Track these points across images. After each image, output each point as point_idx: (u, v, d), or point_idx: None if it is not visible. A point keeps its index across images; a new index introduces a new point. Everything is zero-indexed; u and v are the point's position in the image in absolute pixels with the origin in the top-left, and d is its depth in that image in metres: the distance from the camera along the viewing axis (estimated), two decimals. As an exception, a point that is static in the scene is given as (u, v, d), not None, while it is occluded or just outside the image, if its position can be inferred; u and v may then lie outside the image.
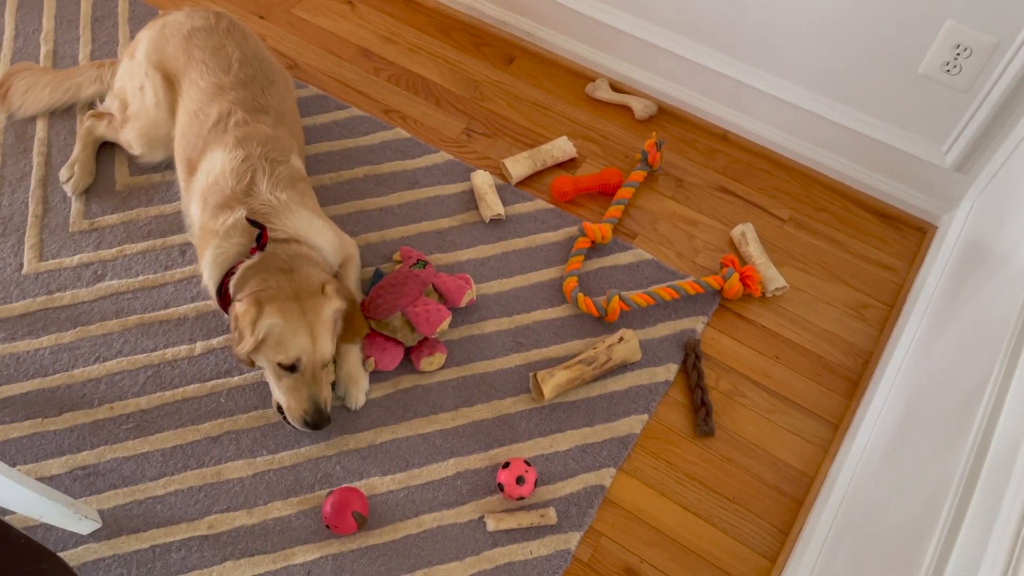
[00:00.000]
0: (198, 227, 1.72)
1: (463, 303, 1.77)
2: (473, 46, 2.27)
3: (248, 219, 1.62)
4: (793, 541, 1.58)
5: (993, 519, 0.85)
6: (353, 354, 1.69)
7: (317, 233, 1.71)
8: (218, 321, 1.80)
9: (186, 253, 1.89)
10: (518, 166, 2.00)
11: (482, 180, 1.98)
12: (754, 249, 1.91)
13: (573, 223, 1.95)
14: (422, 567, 1.54)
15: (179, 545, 1.55)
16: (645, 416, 1.71)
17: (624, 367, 1.76)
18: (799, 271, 1.93)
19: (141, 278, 1.85)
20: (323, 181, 2.00)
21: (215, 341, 1.77)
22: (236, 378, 1.73)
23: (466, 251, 1.91)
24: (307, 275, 1.60)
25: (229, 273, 1.63)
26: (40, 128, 2.07)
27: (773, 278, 1.87)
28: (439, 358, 1.73)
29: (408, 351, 1.74)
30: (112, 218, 1.93)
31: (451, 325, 1.79)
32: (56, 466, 1.62)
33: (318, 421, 1.56)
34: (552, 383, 1.67)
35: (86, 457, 1.63)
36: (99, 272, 1.86)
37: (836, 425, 1.73)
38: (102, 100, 2.05)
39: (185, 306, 1.82)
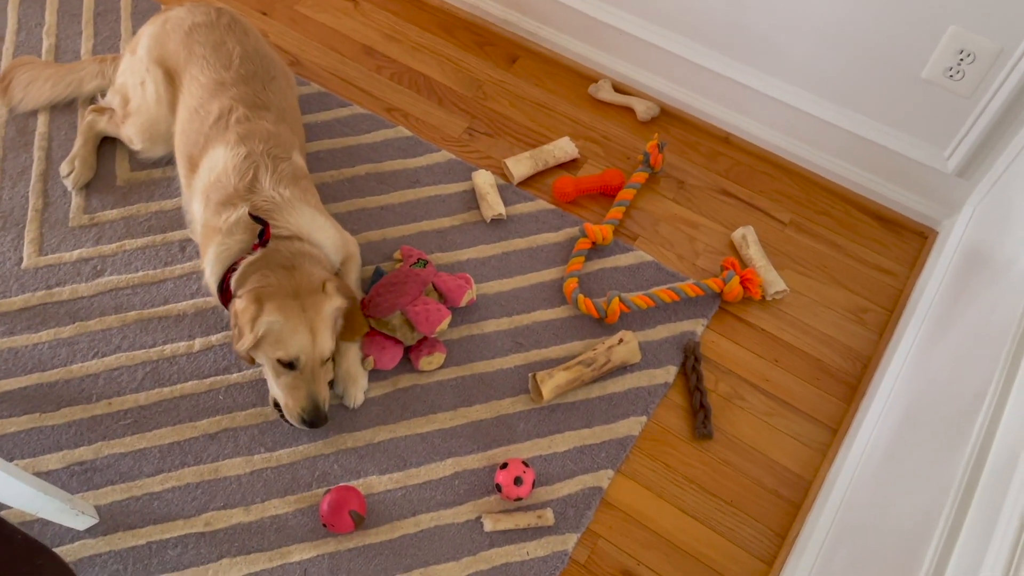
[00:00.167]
0: (201, 224, 1.71)
1: (463, 303, 1.76)
2: (476, 45, 2.27)
3: (251, 215, 1.62)
4: (790, 545, 1.58)
5: (992, 528, 0.84)
6: (352, 352, 1.69)
7: (319, 230, 1.71)
8: (217, 318, 1.80)
9: (186, 249, 1.89)
10: (520, 166, 2.00)
11: (483, 180, 1.97)
12: (755, 252, 1.91)
13: (574, 224, 1.95)
14: (419, 567, 1.54)
15: (175, 542, 1.55)
16: (644, 418, 1.71)
17: (623, 369, 1.75)
18: (799, 275, 1.93)
19: (141, 274, 1.85)
20: (324, 179, 2.00)
21: (214, 338, 1.77)
22: (235, 375, 1.73)
23: (467, 251, 1.91)
24: (308, 273, 1.59)
25: (231, 269, 1.63)
26: (41, 122, 2.06)
27: (773, 281, 1.87)
28: (438, 357, 1.73)
29: (407, 350, 1.74)
30: (112, 213, 1.93)
31: (451, 325, 1.79)
32: (53, 461, 1.62)
33: (316, 419, 1.55)
34: (551, 384, 1.67)
35: (83, 453, 1.63)
36: (99, 267, 1.85)
37: (835, 429, 1.73)
38: (103, 95, 2.05)
39: (184, 302, 1.81)
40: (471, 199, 1.99)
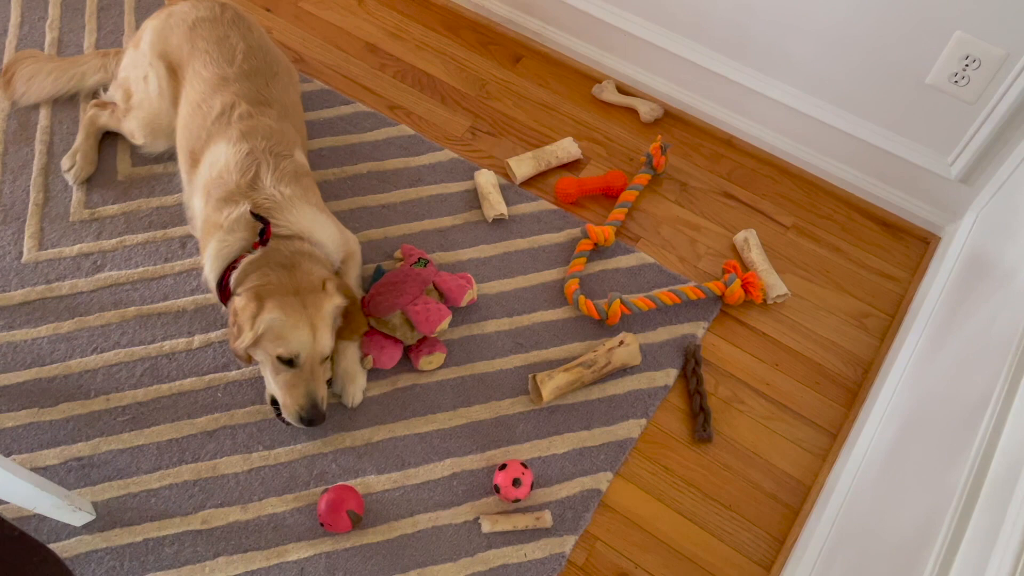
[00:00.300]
0: (201, 220, 1.71)
1: (463, 303, 1.76)
2: (480, 44, 2.26)
3: (252, 213, 1.61)
4: (789, 550, 1.58)
5: (994, 539, 0.84)
6: (351, 351, 1.69)
7: (320, 229, 1.70)
8: (217, 315, 1.79)
9: (186, 245, 1.88)
10: (522, 166, 1.99)
11: (486, 179, 1.97)
12: (756, 255, 1.90)
13: (576, 225, 1.95)
14: (416, 567, 1.54)
15: (172, 539, 1.54)
16: (643, 421, 1.71)
17: (623, 371, 1.75)
18: (801, 279, 1.92)
19: (140, 269, 1.84)
20: (326, 176, 1.99)
21: (213, 335, 1.77)
22: (234, 372, 1.72)
23: (468, 250, 1.90)
24: (308, 271, 1.59)
25: (230, 267, 1.63)
26: (43, 116, 2.06)
27: (775, 285, 1.86)
28: (438, 357, 1.73)
29: (407, 350, 1.73)
30: (113, 208, 1.93)
31: (451, 324, 1.78)
32: (51, 457, 1.61)
33: (314, 418, 1.55)
34: (551, 385, 1.67)
35: (81, 448, 1.62)
36: (99, 262, 1.85)
37: (834, 434, 1.73)
38: (106, 89, 2.04)
39: (184, 299, 1.81)
40: (473, 198, 1.98)
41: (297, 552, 1.54)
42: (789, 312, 1.88)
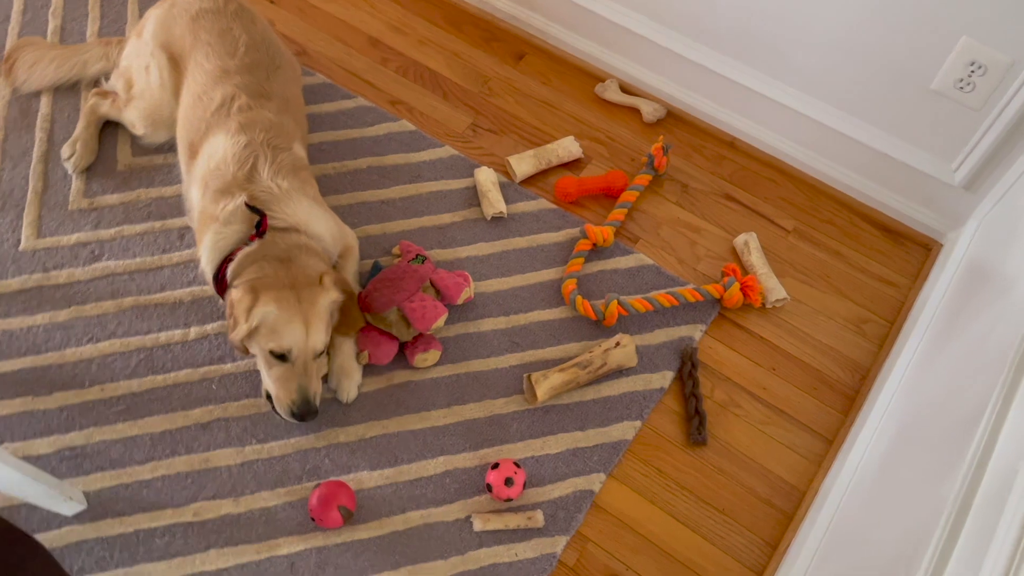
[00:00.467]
0: (198, 211, 1.70)
1: (460, 300, 1.75)
2: (483, 40, 2.25)
3: (248, 205, 1.61)
4: (781, 555, 1.57)
5: (984, 550, 0.83)
6: (347, 347, 1.68)
7: (317, 223, 1.70)
8: (213, 307, 1.79)
9: (185, 237, 1.88)
10: (523, 164, 1.98)
11: (485, 177, 1.96)
12: (756, 259, 1.89)
13: (575, 224, 1.94)
14: (406, 564, 1.53)
15: (163, 531, 1.54)
16: (638, 423, 1.70)
17: (619, 372, 1.74)
18: (801, 283, 1.91)
19: (138, 260, 1.84)
20: (326, 170, 1.98)
21: (209, 327, 1.76)
22: (229, 365, 1.72)
23: (466, 248, 1.89)
24: (305, 265, 1.59)
25: (227, 259, 1.62)
26: (44, 104, 2.05)
27: (774, 289, 1.85)
28: (433, 355, 1.72)
29: (403, 346, 1.73)
30: (112, 198, 1.92)
31: (447, 322, 1.78)
32: (44, 446, 1.61)
33: (305, 413, 1.54)
34: (546, 385, 1.66)
35: (74, 438, 1.62)
36: (96, 252, 1.84)
37: (830, 440, 1.72)
38: (107, 78, 2.04)
39: (181, 290, 1.80)
40: (472, 196, 1.97)
41: (288, 546, 1.54)
42: (788, 316, 1.87)
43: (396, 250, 1.86)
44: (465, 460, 1.64)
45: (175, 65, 1.86)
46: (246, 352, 1.57)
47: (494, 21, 2.28)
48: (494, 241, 1.91)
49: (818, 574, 1.41)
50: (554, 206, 1.97)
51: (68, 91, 2.08)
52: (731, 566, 1.58)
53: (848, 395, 1.77)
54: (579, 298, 1.79)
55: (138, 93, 1.90)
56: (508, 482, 1.55)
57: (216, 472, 1.61)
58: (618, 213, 1.93)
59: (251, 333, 1.52)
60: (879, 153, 1.90)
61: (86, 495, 1.56)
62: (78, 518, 1.54)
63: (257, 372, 1.69)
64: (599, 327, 1.80)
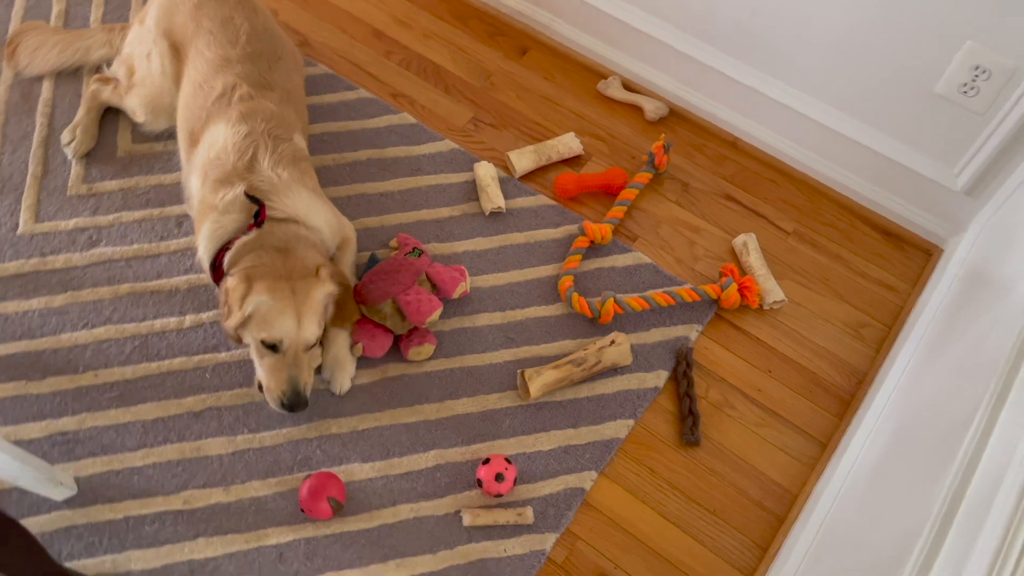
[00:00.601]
0: (197, 200, 1.70)
1: (456, 295, 1.75)
2: (488, 35, 2.24)
3: (247, 195, 1.61)
4: (771, 558, 1.56)
5: (969, 552, 0.82)
6: (341, 338, 1.68)
7: (316, 214, 1.70)
8: (209, 295, 1.79)
9: (182, 225, 1.87)
10: (523, 159, 1.98)
11: (485, 171, 1.95)
12: (755, 260, 1.88)
13: (574, 221, 1.93)
14: (395, 557, 1.53)
15: (153, 518, 1.54)
16: (631, 421, 1.69)
17: (614, 370, 1.74)
18: (799, 285, 1.90)
19: (135, 247, 1.84)
20: (325, 162, 1.98)
21: (204, 315, 1.76)
22: (223, 354, 1.72)
23: (464, 242, 1.89)
24: (302, 256, 1.58)
25: (225, 248, 1.62)
26: (46, 89, 2.05)
27: (772, 290, 1.84)
28: (428, 348, 1.72)
29: (397, 339, 1.72)
30: (111, 184, 1.92)
31: (443, 316, 1.78)
32: (36, 430, 1.61)
33: (294, 404, 1.54)
34: (539, 382, 1.65)
35: (67, 423, 1.62)
36: (94, 238, 1.84)
37: (824, 444, 1.71)
38: (110, 64, 2.03)
39: (177, 278, 1.80)
40: (472, 190, 1.97)
41: (277, 536, 1.54)
42: (785, 318, 1.86)
43: (393, 243, 1.85)
44: (456, 455, 1.64)
45: (177, 53, 1.86)
46: (239, 341, 1.57)
47: (499, 16, 2.27)
48: (492, 236, 1.90)
49: (807, 577, 1.40)
50: (553, 202, 1.96)
51: (70, 76, 2.07)
52: (721, 567, 1.58)
53: (843, 399, 1.76)
54: (575, 295, 1.78)
55: (139, 80, 1.90)
56: (499, 478, 1.55)
57: (207, 461, 1.61)
58: (617, 211, 1.93)
59: (244, 322, 1.52)
60: (881, 156, 1.89)
61: (77, 480, 1.56)
62: (68, 503, 1.54)
63: (251, 362, 1.69)
64: (595, 325, 1.80)
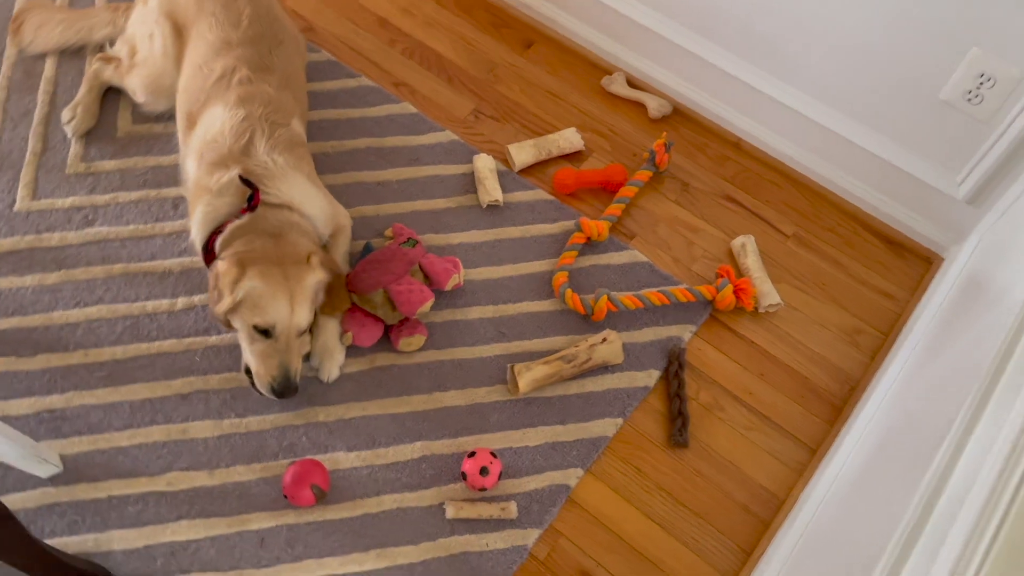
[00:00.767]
0: (192, 182, 1.70)
1: (448, 286, 1.74)
2: (493, 27, 2.23)
3: (242, 179, 1.60)
4: (755, 562, 1.55)
5: (936, 555, 0.81)
6: (331, 326, 1.67)
7: (310, 201, 1.69)
8: (202, 278, 1.79)
9: (179, 207, 1.87)
10: (522, 153, 1.97)
11: (484, 164, 1.94)
12: (752, 262, 1.87)
13: (571, 216, 1.92)
14: (376, 547, 1.53)
15: (136, 498, 1.54)
16: (620, 420, 1.68)
17: (604, 368, 1.72)
18: (796, 289, 1.89)
19: (131, 227, 1.84)
20: (324, 148, 1.97)
21: (196, 298, 1.76)
22: (213, 337, 1.72)
23: (459, 234, 1.88)
24: (294, 243, 1.58)
25: (217, 231, 1.62)
26: (49, 66, 2.05)
27: (768, 293, 1.83)
28: (418, 339, 1.71)
29: (388, 329, 1.72)
30: (109, 164, 1.92)
31: (435, 308, 1.77)
32: (23, 406, 1.61)
33: (285, 389, 1.54)
34: (528, 377, 1.65)
35: (55, 401, 1.62)
36: (90, 217, 1.84)
37: (813, 450, 1.69)
38: (112, 44, 2.03)
39: (171, 260, 1.80)
40: (470, 182, 1.96)
41: (259, 522, 1.54)
42: (780, 322, 1.84)
43: (389, 232, 1.85)
44: (442, 447, 1.63)
45: (178, 34, 1.85)
46: (227, 326, 1.57)
47: (505, 7, 2.25)
48: (488, 229, 1.89)
49: (789, 583, 1.39)
50: (551, 197, 1.95)
51: (73, 55, 2.08)
52: (704, 570, 1.57)
53: (835, 405, 1.75)
54: (569, 291, 1.77)
55: (141, 60, 1.90)
56: (483, 471, 1.54)
57: (193, 443, 1.61)
58: (615, 208, 1.91)
59: (235, 307, 1.51)
60: (885, 162, 1.87)
61: (62, 458, 1.57)
62: (52, 481, 1.54)
63: (240, 347, 1.69)
64: (587, 322, 1.79)
